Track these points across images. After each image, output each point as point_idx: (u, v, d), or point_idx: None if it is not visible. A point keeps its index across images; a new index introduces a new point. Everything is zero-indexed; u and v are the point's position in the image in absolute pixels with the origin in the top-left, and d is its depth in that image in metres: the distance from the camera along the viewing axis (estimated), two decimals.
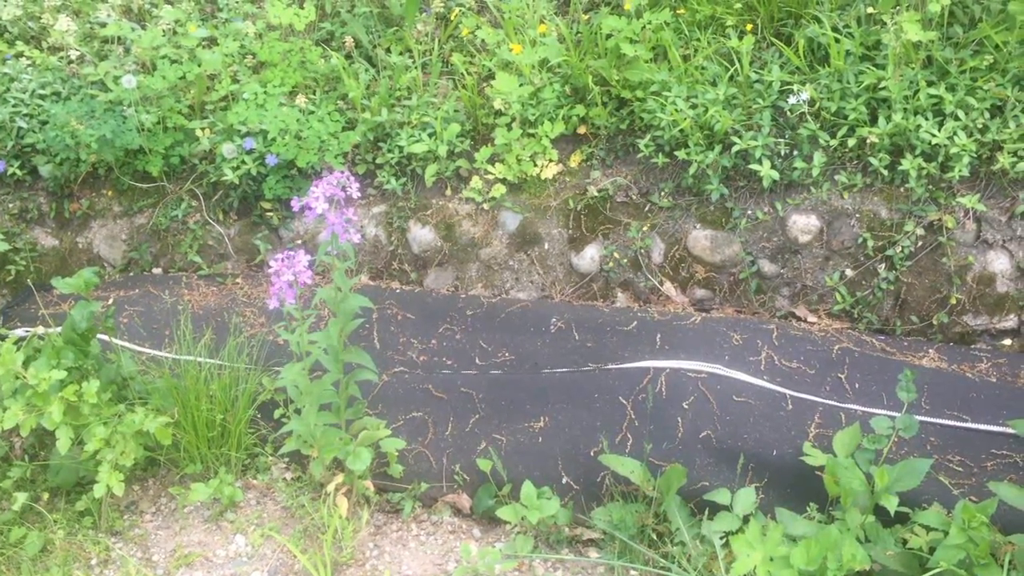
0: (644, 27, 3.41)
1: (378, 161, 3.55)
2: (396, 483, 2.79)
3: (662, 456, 2.65)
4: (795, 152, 3.15)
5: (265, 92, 3.57)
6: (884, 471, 2.27)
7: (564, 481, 2.70)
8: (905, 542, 2.27)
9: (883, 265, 3.07)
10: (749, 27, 3.37)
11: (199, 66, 3.62)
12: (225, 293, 3.48)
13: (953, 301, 3.00)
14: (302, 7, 3.77)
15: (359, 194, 2.53)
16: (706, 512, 2.51)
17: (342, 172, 2.46)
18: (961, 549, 2.10)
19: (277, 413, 2.91)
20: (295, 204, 2.41)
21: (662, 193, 3.30)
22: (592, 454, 2.69)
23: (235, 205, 3.65)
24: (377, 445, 2.73)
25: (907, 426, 2.37)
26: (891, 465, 2.33)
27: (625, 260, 3.32)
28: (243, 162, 3.50)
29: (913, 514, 2.28)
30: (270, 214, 3.60)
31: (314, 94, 3.69)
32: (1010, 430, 2.55)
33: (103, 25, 3.91)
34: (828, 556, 2.14)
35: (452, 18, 3.85)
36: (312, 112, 3.55)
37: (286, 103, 3.57)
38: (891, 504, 2.23)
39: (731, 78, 3.30)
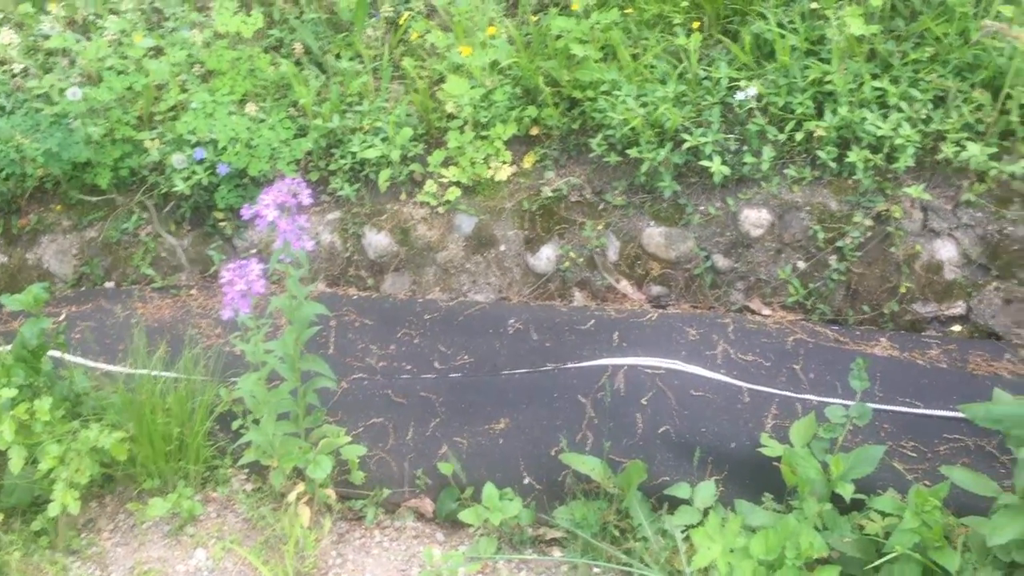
0: (593, 27, 3.43)
1: (331, 167, 3.53)
2: (358, 490, 2.78)
3: (622, 453, 2.66)
4: (745, 147, 3.19)
5: (214, 101, 3.53)
6: (839, 459, 2.30)
7: (526, 481, 2.71)
8: (862, 528, 2.31)
9: (834, 256, 3.11)
10: (696, 25, 3.41)
11: (146, 76, 3.58)
12: (179, 305, 3.44)
13: (903, 290, 3.05)
14: (249, 14, 3.74)
15: (311, 200, 2.51)
16: (667, 507, 2.53)
17: (294, 179, 2.45)
18: (915, 533, 2.13)
19: (235, 424, 2.88)
20: (245, 212, 2.39)
21: (615, 191, 3.32)
22: (553, 453, 2.70)
23: (187, 216, 3.61)
24: (338, 453, 2.72)
25: (861, 414, 2.40)
26: (846, 453, 2.36)
27: (581, 259, 3.34)
28: (194, 172, 3.46)
29: (869, 500, 2.32)
30: (223, 224, 3.56)
31: (264, 102, 3.66)
32: (961, 415, 2.60)
33: (46, 37, 3.85)
34: (786, 545, 2.17)
35: (401, 22, 3.84)
36: (263, 120, 3.52)
37: (236, 111, 3.54)
38: (846, 491, 2.26)
39: (680, 76, 3.33)
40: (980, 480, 2.23)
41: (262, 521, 2.72)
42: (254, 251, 3.56)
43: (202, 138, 3.46)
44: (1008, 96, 2.95)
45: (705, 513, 2.44)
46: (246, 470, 2.88)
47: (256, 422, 2.71)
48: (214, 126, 3.44)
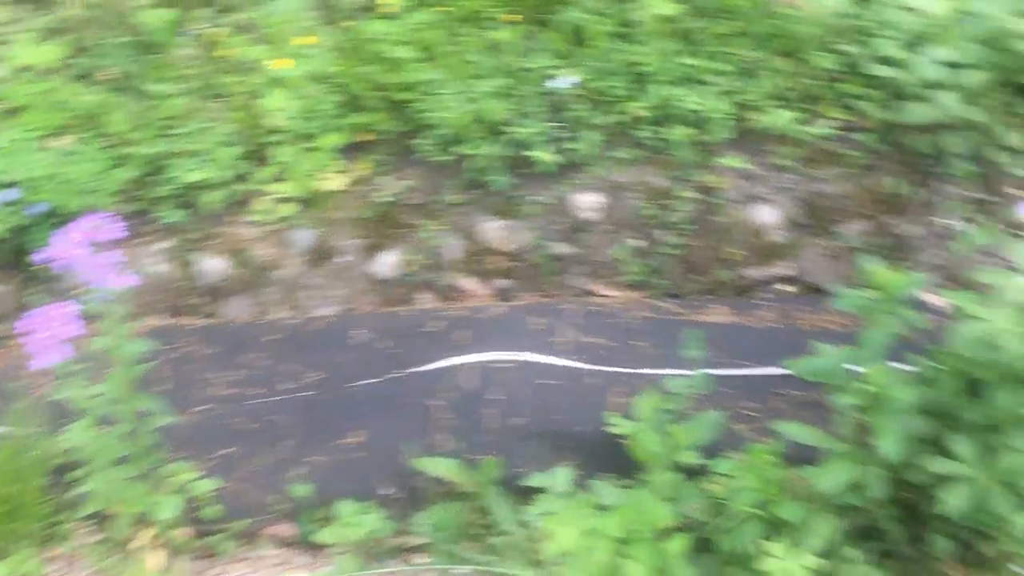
0: (411, 28, 3.41)
1: (155, 195, 3.39)
2: (214, 525, 2.68)
3: (478, 450, 2.66)
4: (570, 134, 3.23)
5: (21, 138, 3.34)
6: (681, 429, 2.36)
7: (386, 492, 2.68)
8: (709, 493, 2.37)
9: (666, 232, 3.19)
10: (513, 17, 3.43)
11: None
12: (4, 356, 3.25)
13: (733, 257, 3.16)
14: (51, 43, 3.55)
15: (124, 233, 2.40)
16: (527, 498, 2.54)
17: (105, 213, 2.34)
18: (755, 491, 2.20)
19: (73, 475, 2.73)
20: (39, 256, 2.27)
21: (450, 190, 3.32)
22: (409, 460, 2.67)
23: (6, 261, 3.41)
24: (187, 489, 2.62)
25: (701, 383, 2.47)
26: (689, 422, 2.42)
27: (425, 261, 3.32)
28: (7, 215, 3.27)
29: (712, 465, 2.38)
30: (44, 266, 3.38)
31: (77, 133, 3.49)
32: (791, 372, 2.70)
33: None
34: (638, 520, 2.21)
35: (216, 39, 3.72)
36: (77, 152, 3.36)
37: (46, 147, 3.36)
38: (691, 460, 2.32)
39: (501, 69, 3.35)
40: (811, 432, 2.31)
41: (111, 571, 2.59)
42: (78, 291, 3.38)
43: (12, 178, 3.27)
44: (806, 62, 3.09)
45: (564, 498, 2.46)
46: (91, 521, 2.74)
47: (95, 470, 2.58)
48: (23, 164, 3.25)
